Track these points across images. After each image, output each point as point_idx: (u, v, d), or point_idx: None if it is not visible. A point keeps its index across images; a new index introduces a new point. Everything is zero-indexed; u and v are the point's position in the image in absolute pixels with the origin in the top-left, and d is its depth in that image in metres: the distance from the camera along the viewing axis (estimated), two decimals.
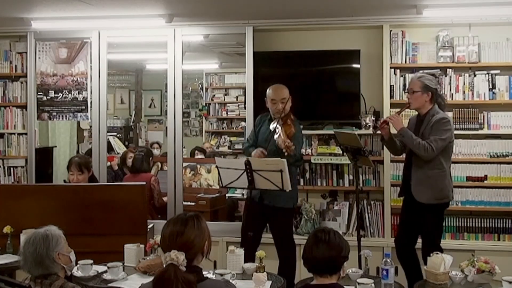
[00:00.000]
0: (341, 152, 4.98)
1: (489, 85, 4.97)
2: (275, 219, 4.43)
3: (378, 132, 4.38)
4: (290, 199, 4.43)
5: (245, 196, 5.00)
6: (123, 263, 3.57)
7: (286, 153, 4.05)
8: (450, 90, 5.02)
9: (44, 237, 2.79)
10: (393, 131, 4.33)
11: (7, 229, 3.98)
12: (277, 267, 4.34)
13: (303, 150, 5.15)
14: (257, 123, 4.66)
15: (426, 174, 4.13)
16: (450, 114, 4.85)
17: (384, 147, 4.99)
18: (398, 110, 4.36)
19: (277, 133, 4.23)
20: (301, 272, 3.64)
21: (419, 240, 4.33)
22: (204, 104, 8.64)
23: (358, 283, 3.14)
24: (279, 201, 4.35)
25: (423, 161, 4.12)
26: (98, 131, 5.51)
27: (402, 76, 5.09)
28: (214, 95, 8.54)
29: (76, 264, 3.15)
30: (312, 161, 5.18)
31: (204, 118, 8.60)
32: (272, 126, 4.36)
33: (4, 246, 3.99)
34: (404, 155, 4.48)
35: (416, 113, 4.36)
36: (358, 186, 4.66)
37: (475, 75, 5.00)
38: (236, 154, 7.70)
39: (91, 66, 5.51)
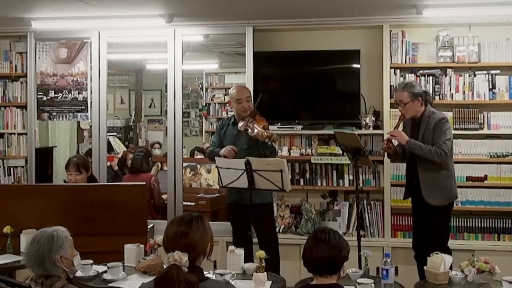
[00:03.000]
0: (341, 152, 4.98)
1: (489, 85, 4.97)
2: (257, 216, 4.39)
3: (385, 153, 4.41)
4: (269, 193, 4.49)
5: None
6: (123, 263, 3.57)
7: (270, 142, 4.22)
8: (450, 90, 5.02)
9: (50, 238, 2.78)
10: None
11: (7, 229, 3.98)
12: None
13: (303, 150, 5.24)
14: (219, 128, 4.70)
15: (434, 176, 4.15)
16: (450, 114, 4.86)
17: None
18: (394, 127, 4.35)
19: (251, 130, 4.31)
20: (301, 272, 3.64)
21: None
22: (204, 104, 8.64)
23: (358, 283, 3.14)
24: (259, 199, 4.36)
25: (429, 163, 4.13)
26: (98, 131, 5.51)
27: (402, 76, 5.09)
28: (214, 95, 8.54)
29: None
30: (312, 161, 5.18)
31: (204, 118, 8.60)
32: (241, 126, 4.40)
33: (4, 246, 3.98)
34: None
35: None
36: (358, 186, 4.66)
37: (475, 75, 5.00)
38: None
39: (91, 66, 5.51)
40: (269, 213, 4.60)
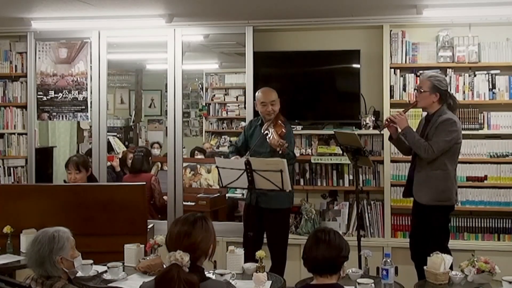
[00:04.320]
0: (341, 152, 4.97)
1: (489, 85, 4.96)
2: (272, 220, 4.45)
3: (382, 130, 4.37)
4: (287, 199, 4.47)
5: (244, 196, 5.02)
6: (123, 263, 3.58)
7: (280, 152, 4.15)
8: (450, 90, 4.99)
9: (51, 238, 2.77)
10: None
11: (7, 229, 3.98)
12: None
13: (303, 150, 5.21)
14: (247, 128, 4.71)
15: (427, 174, 4.10)
16: None
17: (385, 146, 5.01)
18: (402, 109, 4.32)
19: (269, 135, 4.31)
20: (301, 272, 3.64)
21: None
22: (204, 104, 8.64)
23: (358, 283, 3.14)
24: (276, 203, 4.39)
25: (426, 162, 4.09)
26: (98, 131, 5.51)
27: (402, 76, 5.09)
28: (214, 95, 8.54)
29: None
30: (312, 161, 5.18)
31: (204, 118, 8.60)
32: (264, 130, 4.42)
33: (4, 246, 3.98)
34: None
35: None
36: (358, 186, 4.66)
37: (475, 75, 5.00)
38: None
39: (91, 66, 5.51)
40: (284, 219, 4.58)
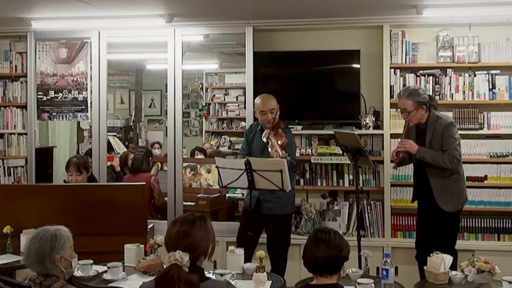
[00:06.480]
0: (341, 152, 4.97)
1: (489, 85, 4.96)
2: (273, 226, 4.44)
3: (396, 167, 4.39)
4: (288, 205, 4.48)
5: (244, 196, 5.01)
6: (123, 263, 3.57)
7: None
8: (450, 90, 5.02)
9: (53, 236, 2.78)
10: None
11: (7, 229, 3.98)
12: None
13: (303, 150, 5.21)
14: (248, 133, 4.68)
15: (446, 182, 4.11)
16: (450, 114, 4.84)
17: (385, 146, 5.01)
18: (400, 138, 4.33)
19: (270, 145, 4.30)
20: (301, 272, 3.64)
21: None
22: (204, 104, 8.64)
23: (358, 283, 3.14)
24: (277, 209, 4.39)
25: (439, 169, 4.08)
26: (98, 131, 5.51)
27: (402, 76, 5.09)
28: (214, 95, 8.54)
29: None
30: (312, 161, 5.18)
31: (204, 118, 8.60)
32: (264, 137, 4.40)
33: (4, 246, 3.99)
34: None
35: None
36: (358, 186, 4.66)
37: (475, 75, 5.00)
38: (236, 154, 7.70)
39: (91, 66, 5.51)
40: (285, 224, 4.55)
